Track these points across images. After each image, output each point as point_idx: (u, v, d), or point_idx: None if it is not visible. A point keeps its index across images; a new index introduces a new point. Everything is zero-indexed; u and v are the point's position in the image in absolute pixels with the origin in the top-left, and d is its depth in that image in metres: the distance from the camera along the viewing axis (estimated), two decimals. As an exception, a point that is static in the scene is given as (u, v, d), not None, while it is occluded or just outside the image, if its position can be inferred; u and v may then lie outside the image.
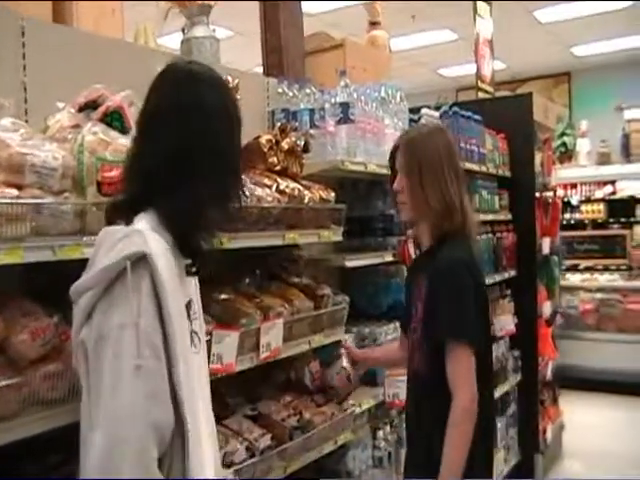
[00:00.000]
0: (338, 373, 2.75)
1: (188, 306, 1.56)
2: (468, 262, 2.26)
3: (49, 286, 1.86)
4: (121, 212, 1.52)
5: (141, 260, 1.37)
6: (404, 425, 2.65)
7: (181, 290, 1.51)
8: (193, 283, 1.66)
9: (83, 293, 1.41)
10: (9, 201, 1.54)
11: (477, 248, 2.36)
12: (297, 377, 2.80)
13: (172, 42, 4.48)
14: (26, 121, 1.97)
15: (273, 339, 2.38)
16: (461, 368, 2.16)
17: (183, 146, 1.50)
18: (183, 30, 3.07)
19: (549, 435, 5.27)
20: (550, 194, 5.71)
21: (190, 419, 1.43)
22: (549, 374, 5.39)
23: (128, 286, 1.36)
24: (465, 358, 2.16)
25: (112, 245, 1.40)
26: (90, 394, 1.39)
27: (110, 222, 1.53)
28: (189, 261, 1.56)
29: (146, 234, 1.42)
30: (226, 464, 2.16)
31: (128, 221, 1.48)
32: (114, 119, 1.96)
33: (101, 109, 1.96)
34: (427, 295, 2.26)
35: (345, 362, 2.75)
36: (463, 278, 2.21)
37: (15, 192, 1.58)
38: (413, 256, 3.00)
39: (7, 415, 1.58)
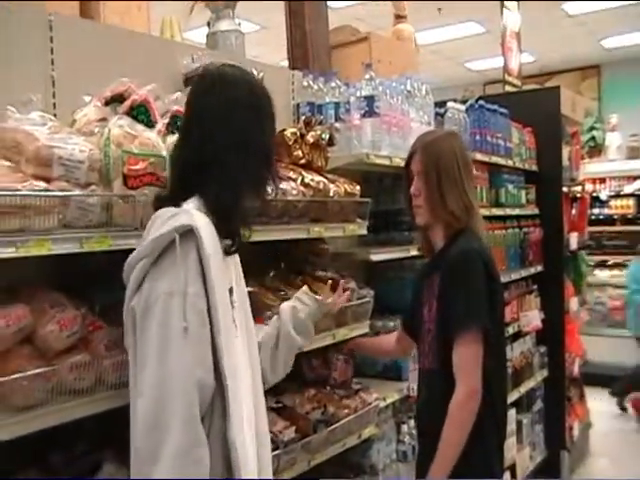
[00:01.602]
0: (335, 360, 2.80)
1: (230, 292, 1.68)
2: (480, 252, 2.26)
3: (76, 278, 1.89)
4: (168, 202, 1.65)
5: (188, 233, 1.52)
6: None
7: (224, 270, 1.66)
8: (233, 272, 1.78)
9: (135, 265, 1.55)
10: (37, 193, 1.56)
11: (486, 243, 2.38)
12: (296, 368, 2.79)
13: (198, 36, 4.51)
14: (54, 115, 1.99)
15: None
16: (467, 357, 2.16)
17: (221, 141, 1.65)
18: (208, 24, 3.09)
19: (576, 432, 5.23)
20: (578, 189, 5.65)
21: (231, 385, 1.55)
22: (576, 371, 5.33)
23: (176, 256, 1.50)
24: (473, 346, 2.16)
25: (163, 222, 1.55)
26: (137, 361, 1.52)
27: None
28: (228, 242, 1.69)
29: (193, 212, 1.59)
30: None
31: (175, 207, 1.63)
32: (140, 113, 1.98)
33: (127, 103, 1.98)
34: (441, 289, 2.27)
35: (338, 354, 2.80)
36: (475, 266, 2.21)
37: (43, 184, 1.60)
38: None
39: (36, 403, 1.61)
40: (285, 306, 2.06)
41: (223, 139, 1.65)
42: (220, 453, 1.55)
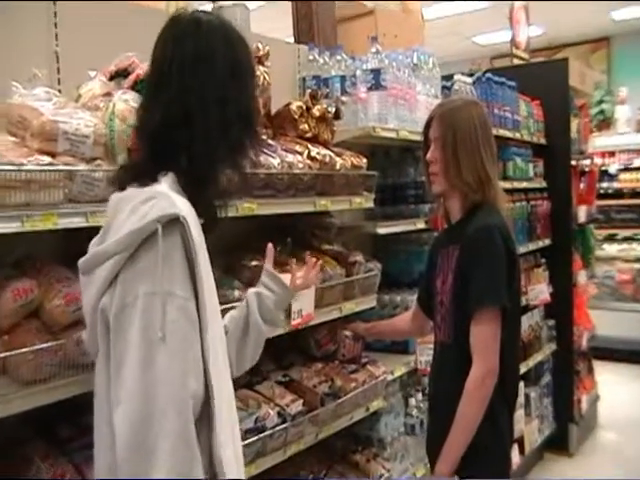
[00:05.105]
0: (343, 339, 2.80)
1: None
2: (500, 228, 2.22)
3: (82, 253, 1.89)
4: (134, 179, 1.43)
5: (171, 222, 1.29)
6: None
7: (207, 258, 1.45)
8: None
9: (104, 261, 1.32)
10: (43, 168, 1.56)
11: (506, 218, 2.34)
12: (304, 345, 2.80)
13: (203, 11, 4.44)
14: (59, 90, 1.99)
15: (305, 306, 2.38)
16: (486, 333, 2.15)
17: (195, 99, 1.42)
18: (213, -2, 3.06)
19: (584, 405, 5.25)
20: (587, 162, 5.61)
21: (217, 394, 1.36)
22: (584, 344, 5.34)
23: (158, 252, 1.27)
24: (492, 323, 2.15)
25: (134, 208, 1.32)
26: (110, 366, 1.31)
27: (122, 188, 1.44)
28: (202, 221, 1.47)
29: (172, 195, 1.35)
30: (258, 429, 2.20)
31: (144, 185, 1.40)
32: (144, 87, 1.96)
33: (132, 77, 1.98)
34: (458, 264, 2.24)
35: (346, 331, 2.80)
36: (496, 243, 2.18)
37: (48, 159, 1.60)
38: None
39: (42, 377, 1.62)
40: (251, 293, 1.85)
41: (197, 97, 1.42)
42: (206, 467, 1.34)
